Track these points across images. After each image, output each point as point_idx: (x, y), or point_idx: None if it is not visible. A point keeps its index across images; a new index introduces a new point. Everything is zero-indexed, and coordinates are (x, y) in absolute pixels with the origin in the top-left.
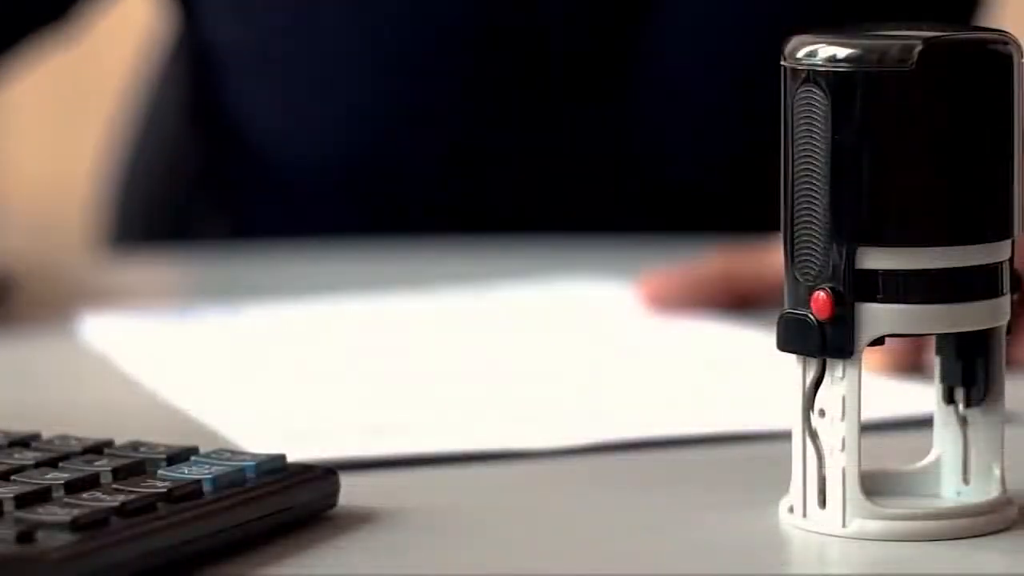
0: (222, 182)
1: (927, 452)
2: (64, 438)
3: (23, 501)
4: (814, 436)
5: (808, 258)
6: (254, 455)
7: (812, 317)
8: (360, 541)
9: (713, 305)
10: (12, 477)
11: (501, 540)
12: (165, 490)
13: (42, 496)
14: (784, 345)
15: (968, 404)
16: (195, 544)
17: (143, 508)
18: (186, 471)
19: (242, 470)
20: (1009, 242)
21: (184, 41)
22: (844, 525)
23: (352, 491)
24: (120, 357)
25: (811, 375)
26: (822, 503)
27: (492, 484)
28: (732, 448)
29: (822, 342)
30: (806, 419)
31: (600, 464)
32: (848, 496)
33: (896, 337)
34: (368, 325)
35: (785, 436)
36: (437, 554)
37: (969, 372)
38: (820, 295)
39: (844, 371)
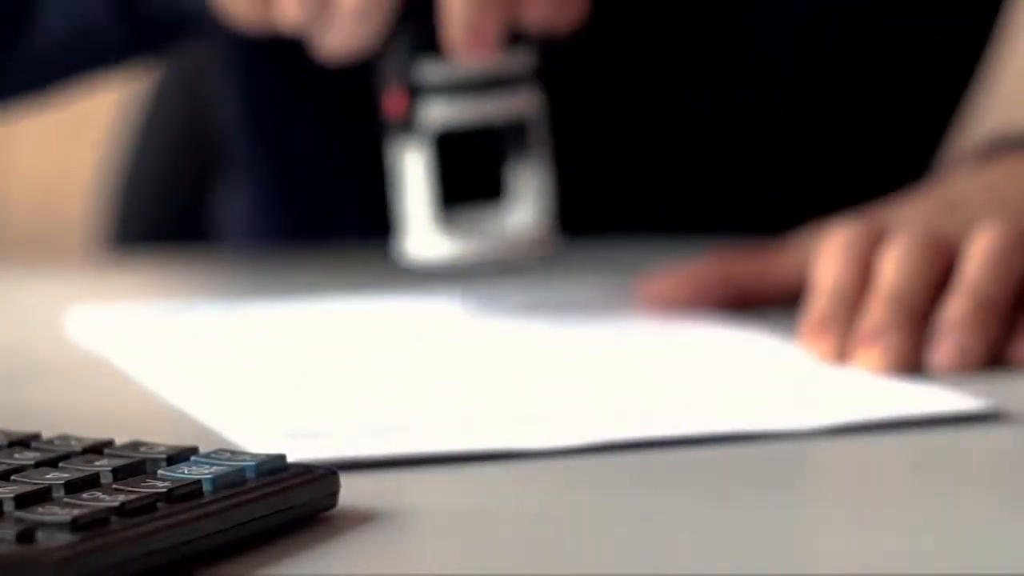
0: (220, 183)
1: (927, 452)
2: (64, 438)
3: (23, 501)
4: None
5: None
6: (254, 455)
7: None
8: (360, 541)
9: (713, 305)
10: (12, 477)
11: (501, 540)
12: (165, 490)
13: (42, 496)
14: None
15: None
16: (195, 544)
17: (143, 508)
18: (186, 471)
19: (242, 470)
20: None
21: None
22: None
23: (352, 491)
24: (120, 357)
25: None
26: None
27: (492, 484)
28: (732, 448)
29: None
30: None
31: (600, 464)
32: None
33: None
34: (369, 324)
35: (785, 436)
36: (437, 554)
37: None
38: None
39: None
